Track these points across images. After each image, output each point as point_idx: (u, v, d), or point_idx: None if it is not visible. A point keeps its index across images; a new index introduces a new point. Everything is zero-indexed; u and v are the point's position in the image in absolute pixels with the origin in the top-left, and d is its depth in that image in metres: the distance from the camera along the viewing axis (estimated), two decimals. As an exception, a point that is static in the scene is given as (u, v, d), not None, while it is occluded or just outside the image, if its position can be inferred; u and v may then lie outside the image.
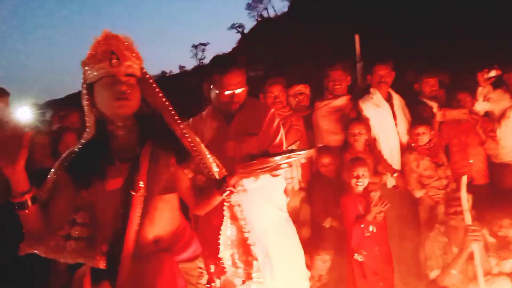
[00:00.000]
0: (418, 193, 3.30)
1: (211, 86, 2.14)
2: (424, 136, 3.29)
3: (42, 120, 3.51)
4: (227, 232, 1.58)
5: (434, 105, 3.45)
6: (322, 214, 3.16)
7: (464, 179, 2.64)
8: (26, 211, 1.33)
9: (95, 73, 1.41)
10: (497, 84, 3.49)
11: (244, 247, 1.59)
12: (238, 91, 2.09)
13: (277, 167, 1.44)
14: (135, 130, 1.51)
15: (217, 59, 2.21)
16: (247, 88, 2.15)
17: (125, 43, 1.43)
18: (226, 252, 1.58)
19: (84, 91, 1.46)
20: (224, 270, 1.58)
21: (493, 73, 3.33)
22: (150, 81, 1.52)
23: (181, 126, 1.55)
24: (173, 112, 1.54)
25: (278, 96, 3.15)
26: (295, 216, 3.16)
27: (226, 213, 1.59)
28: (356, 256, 2.85)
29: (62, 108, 3.72)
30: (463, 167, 3.34)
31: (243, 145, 2.12)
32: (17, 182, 1.30)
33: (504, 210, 3.01)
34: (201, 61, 41.41)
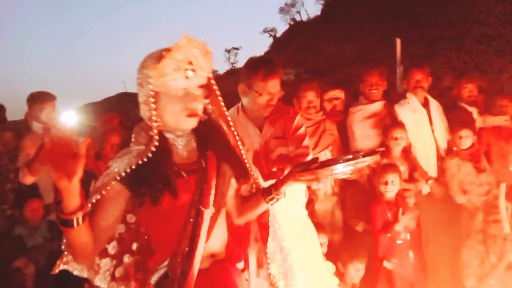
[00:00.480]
0: (460, 199, 3.21)
1: (248, 88, 2.16)
2: (467, 139, 3.21)
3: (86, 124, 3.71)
4: (272, 244, 1.59)
5: (473, 111, 3.38)
6: (355, 219, 3.16)
7: (503, 187, 2.59)
8: (74, 228, 1.18)
9: (169, 83, 1.27)
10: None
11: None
12: (277, 95, 2.14)
13: (339, 174, 1.40)
14: (194, 140, 1.43)
15: (255, 61, 2.19)
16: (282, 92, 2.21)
17: (204, 51, 1.30)
18: (273, 264, 1.58)
19: (151, 100, 1.30)
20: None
21: None
22: (215, 87, 1.41)
23: (235, 134, 1.47)
24: (231, 122, 1.47)
25: (312, 101, 3.18)
26: (326, 220, 3.20)
27: (272, 224, 1.57)
28: (385, 263, 2.83)
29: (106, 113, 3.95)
30: (503, 174, 3.24)
31: (272, 149, 2.19)
32: (70, 197, 1.15)
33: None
34: (233, 65, 41.77)
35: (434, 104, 3.40)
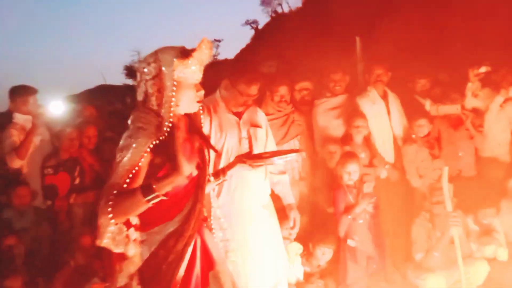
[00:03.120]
0: (416, 183, 3.55)
1: (232, 87, 2.42)
2: (424, 128, 3.55)
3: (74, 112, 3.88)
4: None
5: (426, 102, 3.70)
6: (325, 201, 3.42)
7: (446, 170, 2.90)
8: (148, 202, 1.44)
9: (190, 76, 1.58)
10: (487, 83, 3.70)
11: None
12: (253, 97, 2.45)
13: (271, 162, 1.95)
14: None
15: (242, 65, 2.52)
16: None
17: (211, 52, 1.62)
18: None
19: (173, 88, 1.56)
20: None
21: (483, 69, 3.53)
22: None
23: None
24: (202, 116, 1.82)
25: (283, 95, 3.41)
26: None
27: (214, 201, 1.92)
28: (348, 241, 3.13)
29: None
30: (453, 159, 3.58)
31: (254, 135, 2.50)
32: (170, 186, 1.48)
33: (488, 200, 3.28)
34: (215, 57, 41.58)
35: (392, 96, 3.72)
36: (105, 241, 1.46)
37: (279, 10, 39.58)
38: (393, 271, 3.33)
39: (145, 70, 1.58)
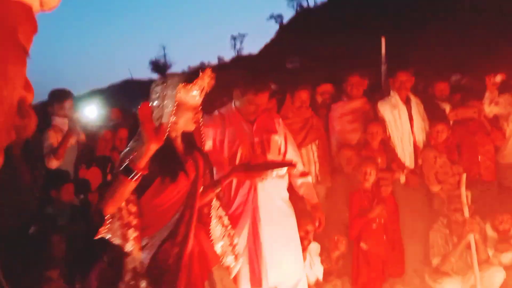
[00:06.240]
0: (435, 188, 3.58)
1: (242, 96, 2.57)
2: (443, 133, 3.56)
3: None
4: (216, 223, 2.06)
5: (446, 107, 3.72)
6: (343, 205, 3.51)
7: (464, 177, 2.95)
8: (131, 180, 1.59)
9: (190, 99, 1.79)
10: (505, 89, 3.69)
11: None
12: (263, 106, 2.59)
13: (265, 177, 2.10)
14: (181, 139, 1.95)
15: (251, 76, 2.65)
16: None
17: (212, 81, 1.84)
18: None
19: (174, 108, 1.76)
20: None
21: (499, 78, 3.52)
22: None
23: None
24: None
25: (304, 101, 3.52)
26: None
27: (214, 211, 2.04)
28: (362, 244, 3.23)
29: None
30: (472, 164, 3.61)
31: (267, 141, 2.61)
32: (147, 158, 1.58)
33: (506, 206, 3.30)
34: (239, 52, 41.69)
35: (414, 101, 3.73)
36: (104, 232, 1.69)
37: (305, 4, 39.42)
38: (411, 275, 3.40)
39: (154, 89, 1.81)
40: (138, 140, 1.70)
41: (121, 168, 1.63)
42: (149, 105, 1.74)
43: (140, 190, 1.72)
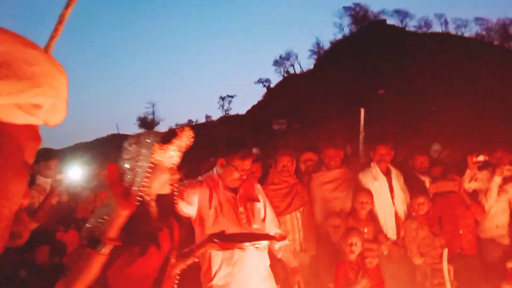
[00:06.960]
0: (417, 261, 3.58)
1: (227, 164, 2.57)
2: (424, 206, 3.62)
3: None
4: None
5: (426, 180, 3.83)
6: (328, 275, 3.46)
7: (445, 252, 2.98)
8: (101, 254, 1.39)
9: (167, 159, 1.64)
10: (485, 165, 3.84)
11: None
12: (248, 171, 2.61)
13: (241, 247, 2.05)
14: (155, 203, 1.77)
15: (235, 143, 2.66)
16: None
17: (191, 141, 1.69)
18: None
19: (149, 170, 1.62)
20: None
21: (481, 158, 3.67)
22: None
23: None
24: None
25: (286, 166, 3.61)
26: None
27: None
28: None
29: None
30: (454, 237, 3.65)
31: (251, 210, 2.61)
32: (118, 226, 1.39)
33: (488, 280, 3.30)
34: (227, 112, 42.66)
35: (394, 173, 3.85)
36: None
37: (291, 70, 41.36)
38: None
39: (127, 149, 1.65)
40: (108, 205, 1.52)
41: (88, 241, 1.43)
42: (122, 165, 1.62)
43: (106, 262, 1.47)
